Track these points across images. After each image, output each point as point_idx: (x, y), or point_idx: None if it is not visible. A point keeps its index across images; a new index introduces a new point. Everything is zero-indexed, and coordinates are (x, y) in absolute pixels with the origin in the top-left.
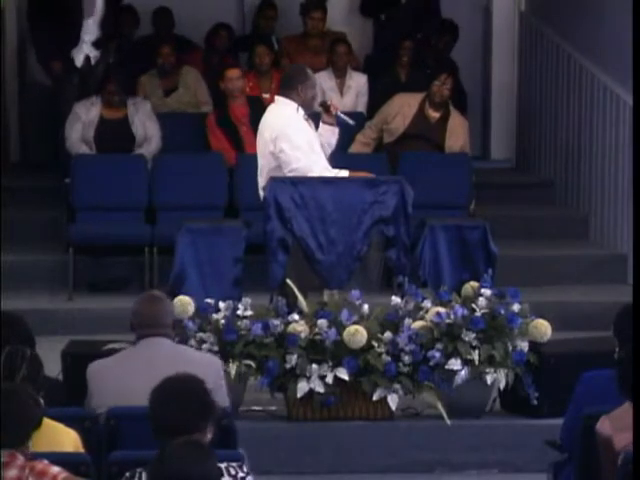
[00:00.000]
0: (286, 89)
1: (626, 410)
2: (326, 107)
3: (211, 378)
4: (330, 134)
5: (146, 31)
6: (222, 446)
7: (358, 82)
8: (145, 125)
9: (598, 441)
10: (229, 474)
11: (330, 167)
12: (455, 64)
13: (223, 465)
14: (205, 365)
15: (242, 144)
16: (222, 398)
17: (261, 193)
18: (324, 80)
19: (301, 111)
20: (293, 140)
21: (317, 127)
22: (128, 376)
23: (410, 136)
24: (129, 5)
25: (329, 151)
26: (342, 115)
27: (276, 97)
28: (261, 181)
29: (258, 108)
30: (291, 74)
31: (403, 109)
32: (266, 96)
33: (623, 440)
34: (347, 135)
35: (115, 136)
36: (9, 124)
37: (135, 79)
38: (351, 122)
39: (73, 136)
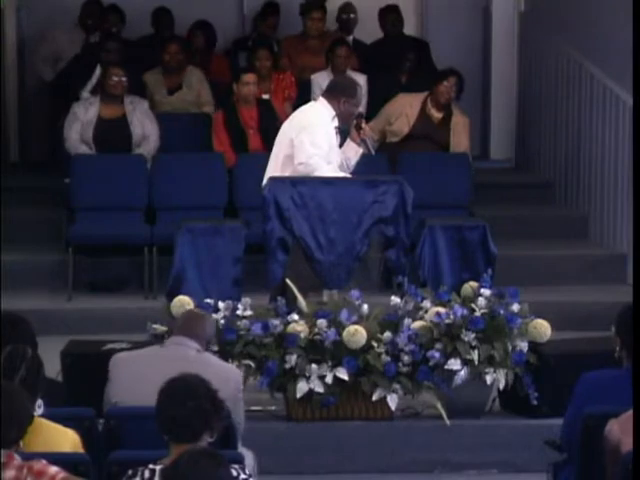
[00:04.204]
0: (330, 96)
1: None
2: (358, 126)
3: (230, 389)
4: (353, 153)
5: (146, 31)
6: (223, 446)
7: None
8: (143, 124)
9: (606, 445)
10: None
11: (339, 173)
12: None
13: None
14: (226, 375)
15: (247, 147)
16: (239, 411)
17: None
18: (323, 80)
19: (336, 121)
20: (317, 138)
21: (343, 142)
22: (147, 372)
23: (415, 137)
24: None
25: (347, 170)
26: (368, 141)
27: (321, 97)
28: (269, 172)
29: (268, 112)
30: (340, 85)
31: (405, 110)
32: (266, 97)
33: (632, 443)
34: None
35: (114, 135)
36: (9, 124)
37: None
38: (372, 151)
39: (72, 136)
